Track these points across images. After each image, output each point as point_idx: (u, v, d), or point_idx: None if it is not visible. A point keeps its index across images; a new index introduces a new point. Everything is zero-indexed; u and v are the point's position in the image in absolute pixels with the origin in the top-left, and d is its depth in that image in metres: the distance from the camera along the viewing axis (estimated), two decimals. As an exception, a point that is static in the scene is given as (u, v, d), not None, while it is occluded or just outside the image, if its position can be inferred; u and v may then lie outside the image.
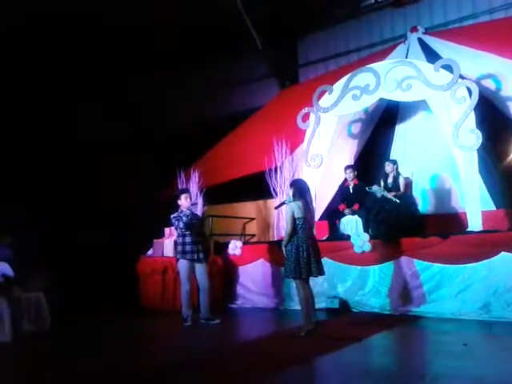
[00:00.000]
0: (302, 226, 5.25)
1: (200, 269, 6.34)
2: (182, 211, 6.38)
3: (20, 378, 4.38)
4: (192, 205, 6.50)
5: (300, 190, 5.41)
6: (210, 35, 10.43)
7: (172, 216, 6.48)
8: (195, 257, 6.29)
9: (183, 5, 9.71)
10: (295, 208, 5.27)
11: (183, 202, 6.40)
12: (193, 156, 10.33)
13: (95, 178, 10.50)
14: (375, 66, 7.78)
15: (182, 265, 6.30)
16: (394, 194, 7.33)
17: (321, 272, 5.33)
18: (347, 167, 8.09)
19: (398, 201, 7.18)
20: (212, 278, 7.44)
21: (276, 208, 6.85)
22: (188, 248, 6.28)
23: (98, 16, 9.53)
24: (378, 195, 7.32)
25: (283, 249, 5.35)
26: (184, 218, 6.25)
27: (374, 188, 7.32)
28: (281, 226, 8.27)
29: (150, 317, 7.34)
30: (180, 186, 8.80)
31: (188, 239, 6.30)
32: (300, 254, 5.19)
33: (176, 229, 6.47)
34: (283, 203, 5.82)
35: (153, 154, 11.27)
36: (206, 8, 9.85)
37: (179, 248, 6.35)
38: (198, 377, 4.02)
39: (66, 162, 10.27)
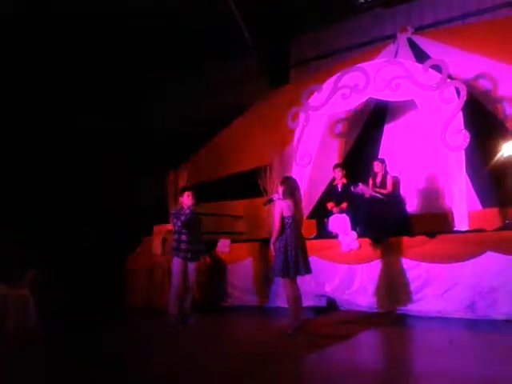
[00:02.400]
0: (290, 224, 5.25)
1: (190, 267, 6.35)
2: (182, 209, 6.36)
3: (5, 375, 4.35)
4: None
5: (290, 188, 5.40)
6: (201, 34, 10.41)
7: (171, 212, 6.48)
8: (188, 255, 6.28)
9: (180, 5, 9.69)
10: (284, 206, 5.27)
11: (185, 199, 6.36)
12: (182, 154, 10.31)
13: (85, 176, 10.44)
14: (365, 65, 7.83)
15: (175, 262, 6.29)
16: (379, 190, 7.38)
17: (308, 270, 5.34)
18: (336, 166, 8.11)
19: (384, 198, 7.22)
20: (200, 277, 7.44)
21: (264, 205, 6.84)
22: (182, 246, 6.27)
23: (97, 16, 9.47)
24: (366, 195, 7.34)
25: (271, 247, 5.36)
26: (182, 217, 6.23)
27: (360, 187, 7.33)
28: (270, 224, 8.29)
29: (136, 315, 7.31)
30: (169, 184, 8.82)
31: (184, 237, 6.27)
32: (288, 252, 5.19)
33: (173, 226, 6.44)
34: (271, 200, 5.83)
35: (142, 153, 11.22)
36: (198, 8, 9.83)
37: (174, 245, 6.32)
38: (185, 375, 4.02)
39: (58, 159, 10.19)
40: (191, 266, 6.33)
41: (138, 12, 9.72)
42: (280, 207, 5.28)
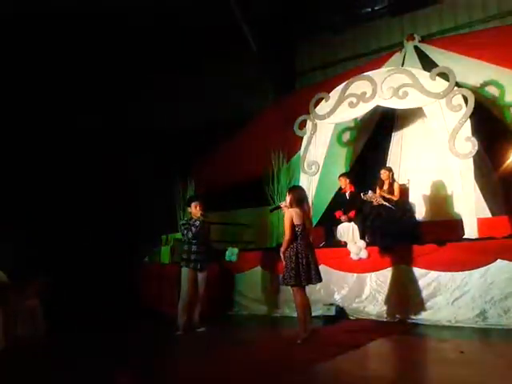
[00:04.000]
0: (300, 232, 5.25)
1: (200, 277, 6.34)
2: (191, 219, 6.35)
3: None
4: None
5: (298, 197, 5.39)
6: (206, 42, 10.46)
7: (181, 223, 6.48)
8: (198, 266, 6.27)
9: (183, 9, 9.76)
10: (294, 214, 5.26)
11: (193, 210, 6.35)
12: (190, 161, 10.34)
13: (93, 182, 10.47)
14: (372, 73, 7.83)
15: (185, 273, 6.27)
16: (388, 197, 7.36)
17: (319, 279, 5.33)
18: (340, 175, 8.13)
19: (393, 207, 7.21)
20: (208, 285, 7.44)
21: (271, 211, 6.85)
22: (193, 257, 6.26)
23: (97, 16, 9.54)
24: (375, 203, 7.33)
25: (281, 255, 5.33)
26: (193, 229, 6.23)
27: (369, 194, 7.32)
28: (277, 232, 8.29)
29: (145, 324, 7.29)
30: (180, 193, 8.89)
31: (194, 248, 6.27)
32: (300, 260, 5.17)
33: (183, 236, 6.43)
34: (278, 207, 5.83)
35: (151, 160, 11.25)
36: (204, 13, 9.89)
37: (184, 256, 6.31)
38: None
39: (64, 166, 10.23)
40: (201, 275, 6.33)
41: (138, 12, 9.79)
42: (290, 215, 5.27)
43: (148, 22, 10.03)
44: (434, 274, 6.25)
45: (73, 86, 10.47)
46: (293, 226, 5.22)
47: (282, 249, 5.30)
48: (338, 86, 8.16)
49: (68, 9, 9.15)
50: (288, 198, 5.44)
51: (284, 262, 5.29)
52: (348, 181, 8.01)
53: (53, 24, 9.33)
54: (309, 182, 8.09)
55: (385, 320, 6.47)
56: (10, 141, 9.40)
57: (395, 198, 7.41)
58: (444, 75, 7.18)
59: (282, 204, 5.63)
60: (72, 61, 10.27)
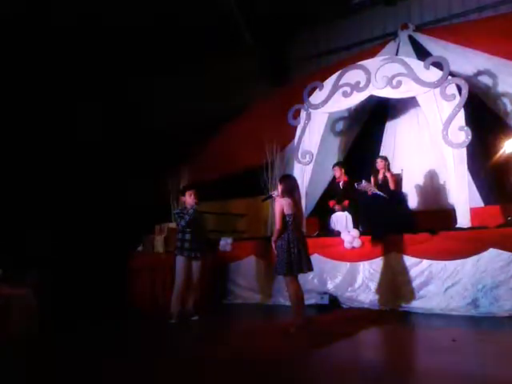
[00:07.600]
0: (291, 222, 5.25)
1: (195, 266, 6.36)
2: (185, 208, 6.39)
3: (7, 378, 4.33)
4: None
5: (289, 187, 5.39)
6: (201, 33, 10.38)
7: (175, 212, 6.55)
8: (192, 254, 6.30)
9: (179, 4, 9.67)
10: (285, 204, 5.26)
11: (187, 199, 6.40)
12: (183, 153, 10.30)
13: (86, 176, 10.41)
14: (366, 63, 7.81)
15: (179, 261, 6.30)
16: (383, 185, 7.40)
17: (310, 268, 5.34)
18: (334, 165, 8.14)
19: (387, 197, 7.23)
20: (202, 275, 7.45)
21: (263, 200, 6.87)
22: (186, 245, 6.29)
23: (97, 16, 9.45)
24: (369, 192, 7.34)
25: (273, 245, 5.35)
26: (186, 217, 6.27)
27: (363, 184, 7.33)
28: (272, 222, 8.29)
29: (138, 314, 7.29)
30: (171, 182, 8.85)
31: (187, 236, 6.31)
32: (291, 250, 5.18)
33: (177, 225, 6.47)
34: (270, 196, 5.84)
35: (143, 151, 11.21)
36: (199, 8, 9.81)
37: (178, 244, 6.35)
38: (189, 374, 4.02)
39: (59, 159, 10.16)
40: (195, 264, 6.35)
41: (137, 12, 9.70)
42: (280, 205, 5.27)
43: (144, 20, 9.92)
44: (426, 262, 6.29)
45: (71, 86, 10.38)
46: (283, 215, 5.23)
47: (274, 238, 5.32)
48: (331, 75, 8.14)
49: (67, 9, 9.06)
50: (279, 188, 5.45)
51: (276, 252, 5.30)
52: (342, 170, 8.04)
53: (52, 24, 9.25)
54: (303, 172, 8.10)
55: (377, 308, 6.51)
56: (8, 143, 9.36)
57: (392, 187, 7.42)
58: (438, 64, 7.17)
59: (274, 193, 5.64)
60: (71, 60, 10.18)
